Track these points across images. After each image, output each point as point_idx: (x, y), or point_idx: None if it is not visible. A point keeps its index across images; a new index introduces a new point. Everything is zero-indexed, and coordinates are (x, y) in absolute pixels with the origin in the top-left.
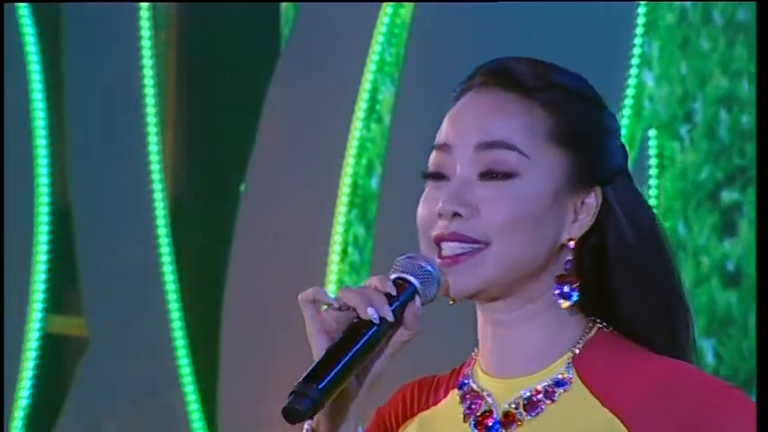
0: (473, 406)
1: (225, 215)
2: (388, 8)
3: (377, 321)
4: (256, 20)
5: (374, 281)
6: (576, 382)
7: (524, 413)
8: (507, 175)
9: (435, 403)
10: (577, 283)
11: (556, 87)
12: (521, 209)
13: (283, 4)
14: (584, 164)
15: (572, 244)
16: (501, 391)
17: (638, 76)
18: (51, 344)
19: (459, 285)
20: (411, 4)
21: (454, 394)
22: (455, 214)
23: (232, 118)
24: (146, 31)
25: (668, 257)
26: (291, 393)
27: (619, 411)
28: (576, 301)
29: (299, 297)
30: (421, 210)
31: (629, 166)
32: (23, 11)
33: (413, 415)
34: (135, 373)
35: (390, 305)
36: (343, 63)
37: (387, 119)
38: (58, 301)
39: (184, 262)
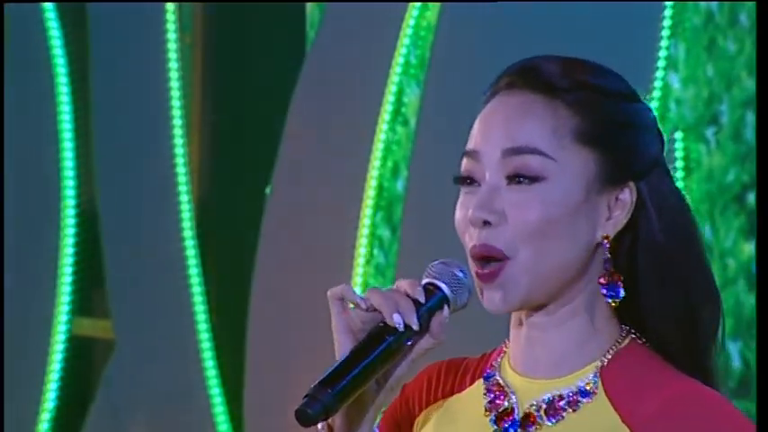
0: (496, 401)
1: (251, 217)
2: (414, 9)
3: (401, 329)
4: (282, 22)
5: (404, 285)
6: (601, 393)
7: (545, 417)
8: (534, 179)
9: (461, 389)
10: (621, 279)
11: (582, 85)
12: (550, 212)
13: (309, 6)
14: (614, 161)
15: (607, 242)
16: (525, 391)
17: (664, 78)
18: (78, 346)
19: (493, 304)
20: (437, 4)
21: (480, 384)
22: (485, 222)
23: (258, 120)
24: (171, 33)
25: (699, 256)
26: (306, 396)
27: (635, 430)
28: (624, 297)
29: (328, 293)
30: (457, 215)
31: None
32: (49, 11)
33: (436, 399)
34: (161, 375)
35: (417, 311)
36: (369, 65)
37: (412, 121)
38: (85, 303)
39: (211, 264)
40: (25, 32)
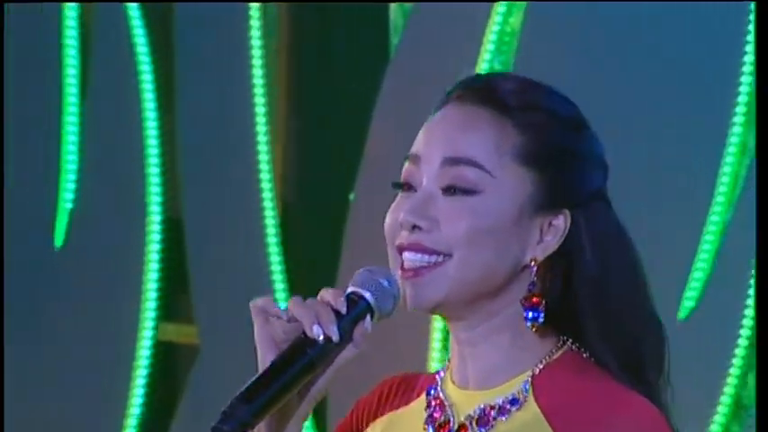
0: (434, 413)
1: (335, 223)
2: (497, 15)
3: (321, 340)
4: (366, 28)
5: (327, 295)
6: (531, 401)
7: (476, 427)
8: (469, 192)
9: (407, 403)
10: (542, 304)
11: (533, 107)
12: (480, 224)
13: (392, 12)
14: (553, 186)
15: (534, 265)
16: (462, 403)
17: (750, 83)
18: (163, 351)
19: (416, 300)
20: (521, 9)
21: (423, 398)
22: (414, 226)
23: (342, 125)
24: (256, 39)
25: (638, 289)
26: (222, 412)
27: None
28: (542, 322)
29: (250, 305)
30: (387, 218)
31: (742, 171)
32: (133, 11)
33: (384, 413)
34: (246, 381)
35: (339, 322)
36: (453, 71)
37: None
38: (170, 308)
39: (294, 270)
40: (110, 34)
